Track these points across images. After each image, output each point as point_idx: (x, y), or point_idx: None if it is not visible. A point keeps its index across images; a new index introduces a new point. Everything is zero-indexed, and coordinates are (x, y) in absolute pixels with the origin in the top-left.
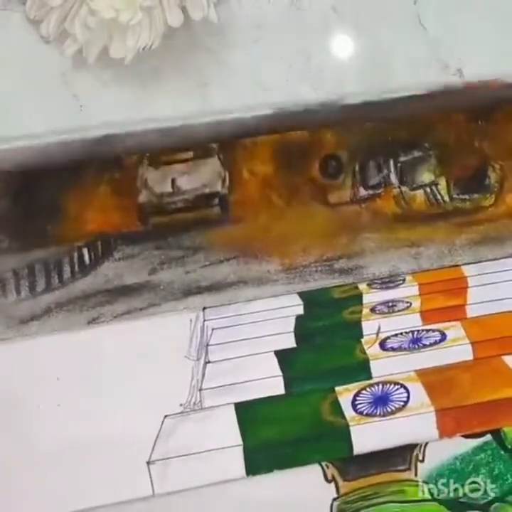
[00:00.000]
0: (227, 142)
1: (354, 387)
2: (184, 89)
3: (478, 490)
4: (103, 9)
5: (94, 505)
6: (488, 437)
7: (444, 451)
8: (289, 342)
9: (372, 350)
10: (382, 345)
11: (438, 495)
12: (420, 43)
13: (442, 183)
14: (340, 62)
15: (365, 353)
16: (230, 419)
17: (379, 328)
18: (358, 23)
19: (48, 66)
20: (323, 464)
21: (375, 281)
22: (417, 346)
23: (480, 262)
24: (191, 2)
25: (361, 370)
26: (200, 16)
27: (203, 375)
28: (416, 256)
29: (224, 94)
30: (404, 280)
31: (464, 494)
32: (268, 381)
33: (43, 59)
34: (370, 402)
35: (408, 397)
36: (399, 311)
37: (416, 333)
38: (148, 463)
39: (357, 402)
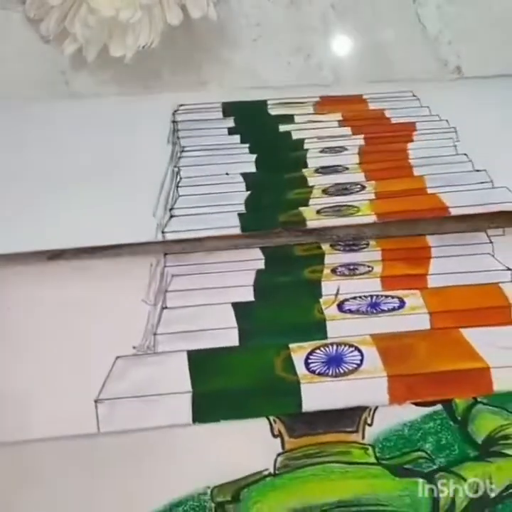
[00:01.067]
0: None
1: (308, 345)
2: (184, 87)
3: (424, 458)
4: (103, 8)
5: (39, 438)
6: (439, 407)
7: (393, 417)
8: (248, 295)
9: (329, 310)
10: (340, 306)
11: (383, 459)
12: (419, 40)
13: None
14: (339, 59)
15: (322, 313)
16: (181, 365)
17: (338, 290)
18: (357, 21)
19: (48, 65)
20: (271, 418)
21: (339, 242)
22: (374, 311)
23: (445, 233)
24: (191, 1)
25: (317, 329)
26: (199, 15)
27: (159, 320)
28: None
29: (223, 92)
30: (367, 244)
31: (410, 461)
32: (223, 332)
33: (43, 58)
34: (323, 362)
35: (362, 360)
36: (360, 274)
37: (375, 297)
38: (95, 401)
39: (310, 361)
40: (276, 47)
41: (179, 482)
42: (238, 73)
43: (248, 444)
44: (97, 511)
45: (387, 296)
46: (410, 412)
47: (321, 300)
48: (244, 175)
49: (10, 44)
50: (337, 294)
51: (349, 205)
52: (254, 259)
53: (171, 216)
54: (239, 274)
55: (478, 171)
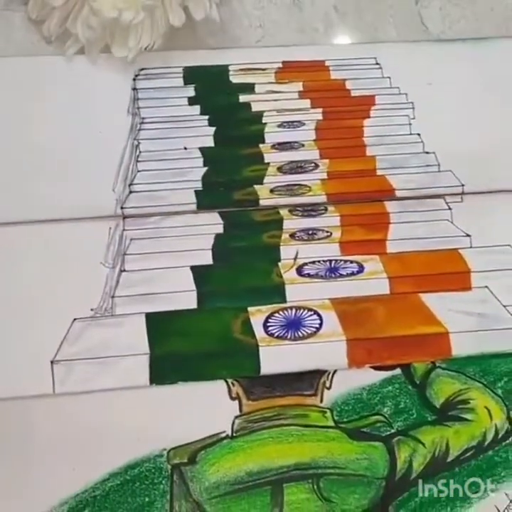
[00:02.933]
0: None
1: (267, 309)
2: None
3: (382, 422)
4: (105, 9)
5: None
6: (398, 371)
7: (352, 380)
8: (206, 259)
9: (288, 274)
10: (299, 271)
11: (341, 423)
12: (422, 41)
13: None
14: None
15: (281, 276)
16: (139, 328)
17: (297, 254)
18: (360, 22)
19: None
20: (229, 381)
21: (297, 208)
22: (333, 275)
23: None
24: (193, 2)
25: (276, 293)
26: (202, 16)
27: (117, 282)
28: None
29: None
30: (326, 210)
31: (368, 425)
32: (181, 295)
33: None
34: (282, 326)
35: (321, 324)
36: (318, 239)
37: (334, 262)
38: (52, 362)
39: (269, 324)
40: (279, 48)
41: (135, 444)
42: None
43: (206, 407)
44: (53, 473)
45: (346, 261)
46: (369, 376)
47: (279, 264)
48: (202, 150)
49: (12, 45)
50: (296, 258)
51: (302, 185)
52: (213, 223)
53: (130, 192)
54: (197, 238)
55: (427, 153)
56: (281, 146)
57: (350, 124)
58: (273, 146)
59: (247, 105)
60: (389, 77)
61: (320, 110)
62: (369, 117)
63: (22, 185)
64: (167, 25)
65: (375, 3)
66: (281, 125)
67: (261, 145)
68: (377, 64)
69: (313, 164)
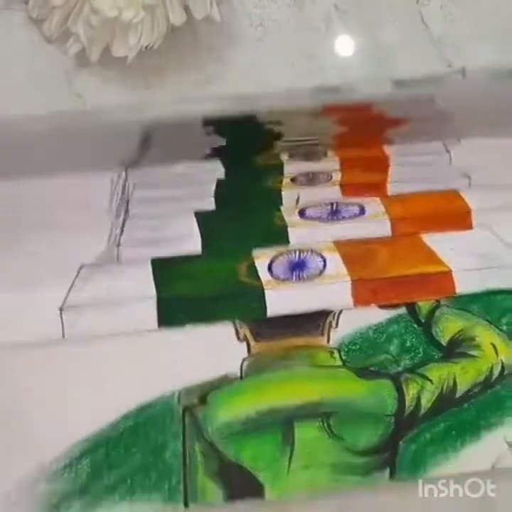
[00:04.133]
0: None
1: (271, 252)
2: (187, 87)
3: (389, 360)
4: (106, 8)
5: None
6: (403, 310)
7: (358, 320)
8: (210, 205)
9: (291, 218)
10: (302, 214)
11: (349, 362)
12: (423, 41)
13: None
14: (342, 60)
15: (283, 220)
16: (145, 273)
17: (298, 197)
18: (361, 22)
19: (51, 66)
20: (237, 323)
21: (298, 152)
22: (335, 218)
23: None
24: (194, 1)
25: (279, 236)
26: (202, 15)
27: (122, 230)
28: None
29: (226, 92)
30: (326, 154)
31: (375, 363)
32: (186, 240)
33: (46, 58)
34: (286, 268)
35: (325, 266)
36: (319, 182)
37: (335, 205)
38: (60, 309)
39: (273, 267)
40: (280, 47)
41: (146, 386)
42: (241, 73)
43: (214, 349)
44: (67, 417)
45: (347, 204)
46: (375, 316)
47: (281, 208)
48: None
49: (12, 44)
50: (297, 201)
51: None
52: (215, 170)
53: None
54: (200, 185)
55: None
56: None
57: None
58: None
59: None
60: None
61: None
62: None
63: None
64: (167, 25)
65: (376, 2)
66: None
67: None
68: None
69: None
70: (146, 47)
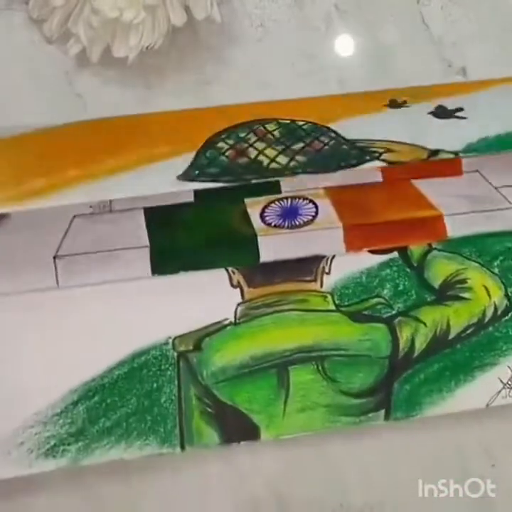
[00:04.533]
0: None
1: (263, 200)
2: (187, 88)
3: (382, 304)
4: (106, 8)
5: None
6: (395, 255)
7: (350, 265)
8: None
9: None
10: None
11: (342, 306)
12: (423, 41)
13: None
14: (342, 60)
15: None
16: (138, 222)
17: None
18: (361, 22)
19: (52, 66)
20: (230, 270)
21: None
22: None
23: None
24: (195, 1)
25: (271, 184)
26: (203, 16)
27: None
28: None
29: (227, 92)
30: None
31: (368, 307)
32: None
33: (46, 59)
34: (278, 215)
35: (316, 212)
36: None
37: None
38: (54, 257)
39: (265, 214)
40: (280, 47)
41: (140, 334)
42: (242, 74)
43: (208, 296)
44: (61, 364)
45: None
46: (367, 260)
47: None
48: None
49: (13, 44)
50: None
51: None
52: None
53: None
54: None
55: None
56: None
57: None
58: None
59: None
60: None
61: None
62: None
63: None
64: (168, 25)
65: (376, 2)
66: None
67: None
68: None
69: None
70: (146, 47)
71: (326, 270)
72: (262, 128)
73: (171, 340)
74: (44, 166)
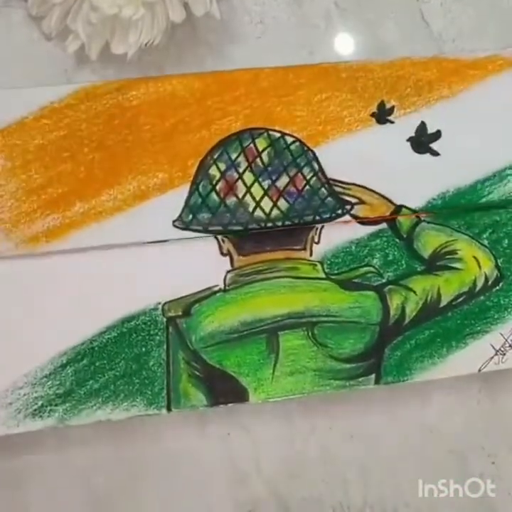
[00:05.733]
0: None
1: None
2: None
3: (372, 272)
4: (105, 5)
5: None
6: (383, 226)
7: (340, 235)
8: None
9: None
10: None
11: (332, 275)
12: (423, 38)
13: None
14: (342, 57)
15: None
16: None
17: None
18: (360, 19)
19: (51, 63)
20: (219, 238)
21: None
22: None
23: None
24: None
25: None
26: (202, 12)
27: None
28: None
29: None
30: None
31: (358, 275)
32: None
33: (45, 56)
34: None
35: None
36: None
37: None
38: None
39: None
40: (280, 44)
41: (130, 299)
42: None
43: (198, 263)
44: (51, 328)
45: None
46: (356, 231)
47: None
48: None
49: (12, 42)
50: None
51: None
52: None
53: None
54: None
55: None
56: None
57: None
58: None
59: None
60: None
61: None
62: None
63: None
64: (167, 21)
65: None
66: None
67: None
68: None
69: None
70: (145, 44)
71: (315, 240)
72: (252, 146)
73: (160, 306)
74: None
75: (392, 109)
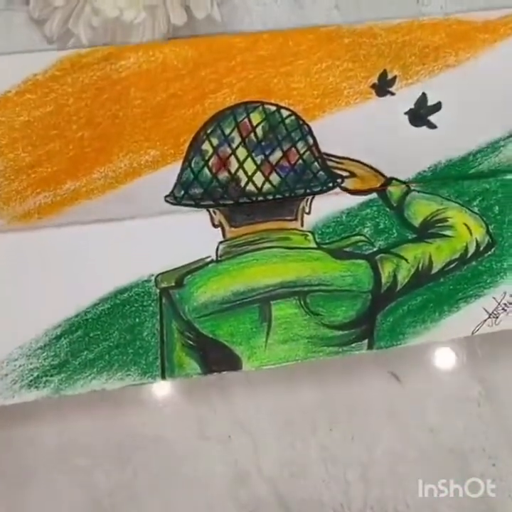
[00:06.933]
0: None
1: None
2: None
3: (363, 241)
4: (107, 8)
5: None
6: (374, 196)
7: (330, 206)
8: None
9: None
10: None
11: (323, 244)
12: None
13: None
14: None
15: None
16: None
17: None
18: (361, 21)
19: None
20: (210, 210)
21: None
22: None
23: None
24: (194, 1)
25: None
26: (203, 15)
27: None
28: None
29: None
30: None
31: (350, 244)
32: None
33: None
34: None
35: None
36: None
37: None
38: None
39: None
40: None
41: (123, 271)
42: None
43: (190, 235)
44: (42, 300)
45: None
46: (346, 202)
47: None
48: None
49: (13, 45)
50: None
51: None
52: None
53: None
54: None
55: None
56: None
57: None
58: None
59: None
60: None
61: None
62: None
63: None
64: (168, 25)
65: (376, 2)
66: None
67: None
68: None
69: None
70: None
71: (306, 210)
72: (246, 121)
73: (153, 278)
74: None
75: (393, 79)
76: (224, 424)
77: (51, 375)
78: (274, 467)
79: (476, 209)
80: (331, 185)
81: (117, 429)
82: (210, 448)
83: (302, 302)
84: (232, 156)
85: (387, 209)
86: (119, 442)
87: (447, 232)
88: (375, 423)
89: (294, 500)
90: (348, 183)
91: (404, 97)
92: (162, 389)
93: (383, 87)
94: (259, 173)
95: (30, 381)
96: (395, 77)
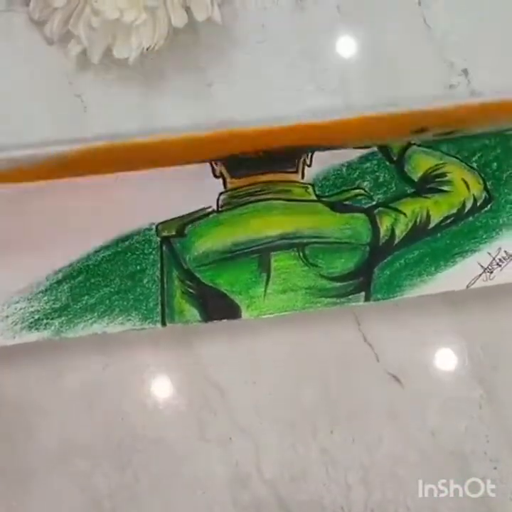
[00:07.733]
0: None
1: None
2: (188, 89)
3: (362, 195)
4: (107, 9)
5: None
6: (375, 149)
7: (331, 158)
8: None
9: None
10: None
11: (323, 197)
12: (425, 43)
13: None
14: (345, 62)
15: None
16: None
17: None
18: (363, 23)
19: (52, 67)
20: (212, 161)
21: None
22: None
23: None
24: (195, 3)
25: None
26: (204, 17)
27: None
28: None
29: (228, 94)
30: None
31: (349, 198)
32: None
33: (47, 60)
34: None
35: None
36: None
37: None
38: None
39: None
40: (282, 49)
41: (124, 219)
42: (243, 75)
43: (191, 185)
44: (44, 245)
45: None
46: (347, 154)
47: None
48: None
49: (13, 46)
50: None
51: None
52: None
53: None
54: None
55: None
56: None
57: None
58: None
59: None
60: None
61: None
62: None
63: None
64: (169, 26)
65: (378, 4)
66: None
67: None
68: None
69: None
70: (147, 48)
71: (307, 162)
72: None
73: (154, 226)
74: None
75: None
76: (224, 426)
77: (52, 318)
78: (274, 469)
79: (474, 165)
80: None
81: (117, 429)
82: (211, 450)
83: (301, 253)
84: None
85: (387, 163)
86: (120, 443)
87: (445, 188)
88: (375, 425)
89: (295, 503)
90: None
91: None
92: (162, 389)
93: None
94: None
95: (31, 323)
96: None
